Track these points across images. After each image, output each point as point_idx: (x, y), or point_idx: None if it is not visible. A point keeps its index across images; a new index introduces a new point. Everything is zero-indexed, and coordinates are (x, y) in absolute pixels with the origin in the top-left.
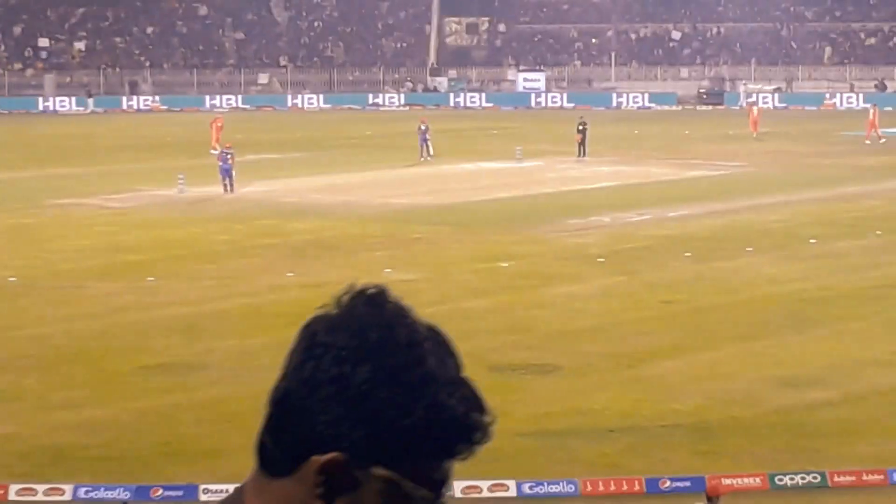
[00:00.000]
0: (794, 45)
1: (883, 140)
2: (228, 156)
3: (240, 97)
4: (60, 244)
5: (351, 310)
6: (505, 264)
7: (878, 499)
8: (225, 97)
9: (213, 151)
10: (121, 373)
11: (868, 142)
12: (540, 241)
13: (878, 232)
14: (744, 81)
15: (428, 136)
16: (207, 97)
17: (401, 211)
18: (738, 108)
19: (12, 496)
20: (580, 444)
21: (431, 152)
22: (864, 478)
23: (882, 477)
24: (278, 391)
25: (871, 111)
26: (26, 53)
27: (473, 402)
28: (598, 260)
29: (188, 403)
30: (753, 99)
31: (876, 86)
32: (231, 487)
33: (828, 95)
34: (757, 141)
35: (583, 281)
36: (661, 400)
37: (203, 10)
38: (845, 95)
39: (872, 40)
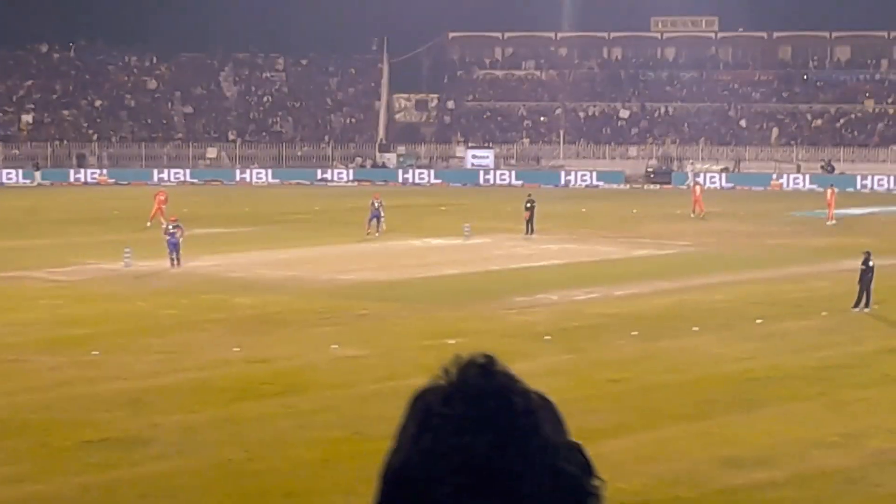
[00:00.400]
0: (742, 125)
1: (833, 222)
2: (176, 230)
3: (188, 171)
4: (4, 317)
5: (464, 380)
6: (452, 341)
7: None
8: (173, 171)
9: (148, 224)
10: (64, 447)
11: (832, 222)
12: (487, 318)
13: (824, 313)
14: (691, 161)
15: (382, 213)
16: (155, 171)
17: (348, 286)
18: (685, 187)
19: None
20: None
21: (383, 228)
22: None
23: None
24: (393, 465)
25: (829, 193)
26: None
27: (588, 467)
28: (545, 338)
29: (132, 478)
30: (699, 179)
31: (822, 167)
32: None
33: (775, 176)
34: (701, 220)
35: (530, 359)
36: (606, 479)
37: (152, 84)
38: (792, 176)
39: (819, 121)
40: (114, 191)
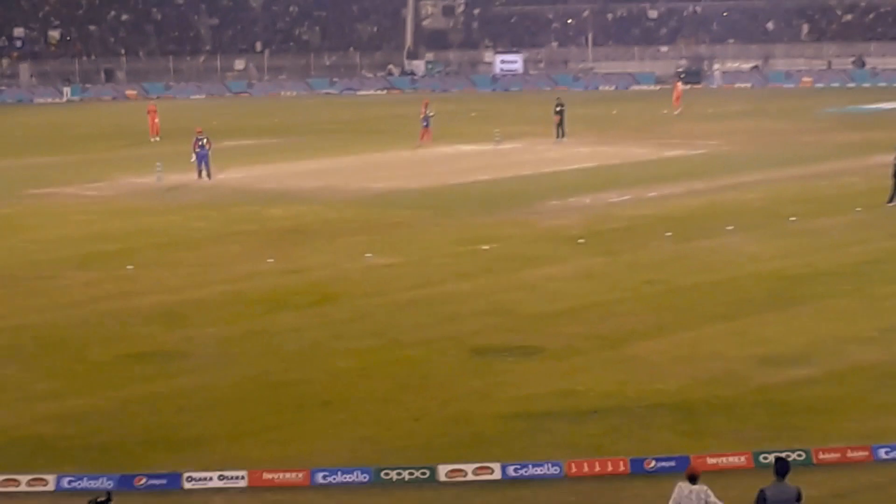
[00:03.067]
0: (771, 24)
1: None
2: (203, 142)
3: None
4: (38, 234)
5: None
6: (486, 247)
7: (862, 475)
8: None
9: (154, 139)
10: (102, 362)
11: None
12: (520, 223)
13: (858, 209)
14: (717, 61)
15: (429, 121)
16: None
17: (379, 195)
18: (715, 87)
19: None
20: (564, 425)
21: (429, 138)
22: (849, 454)
23: (867, 453)
24: None
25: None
26: (1, 43)
27: None
28: (579, 241)
29: (170, 391)
30: (682, 77)
31: (853, 62)
32: (215, 475)
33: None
34: (678, 119)
35: (564, 262)
36: (644, 380)
37: None
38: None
39: (849, 17)
40: (142, 105)
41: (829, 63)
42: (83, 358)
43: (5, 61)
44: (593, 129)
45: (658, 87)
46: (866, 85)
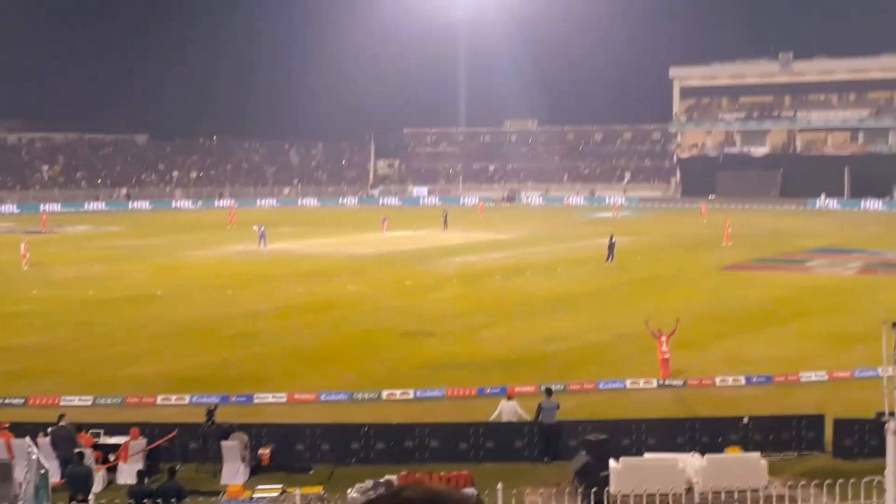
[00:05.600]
0: (550, 172)
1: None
2: (262, 228)
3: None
4: (188, 273)
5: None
6: (408, 282)
7: (591, 396)
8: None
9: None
10: (215, 338)
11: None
12: (425, 270)
13: (591, 266)
14: (523, 191)
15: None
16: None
17: (357, 256)
18: (520, 204)
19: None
20: (448, 372)
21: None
22: (584, 386)
23: (594, 385)
24: None
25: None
26: None
27: None
28: (454, 279)
29: (253, 354)
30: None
31: (585, 195)
32: (269, 395)
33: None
34: (503, 220)
35: (447, 290)
36: (485, 349)
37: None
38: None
39: (586, 171)
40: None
41: (593, 191)
42: (211, 337)
43: None
44: (462, 224)
45: (494, 204)
46: (601, 205)
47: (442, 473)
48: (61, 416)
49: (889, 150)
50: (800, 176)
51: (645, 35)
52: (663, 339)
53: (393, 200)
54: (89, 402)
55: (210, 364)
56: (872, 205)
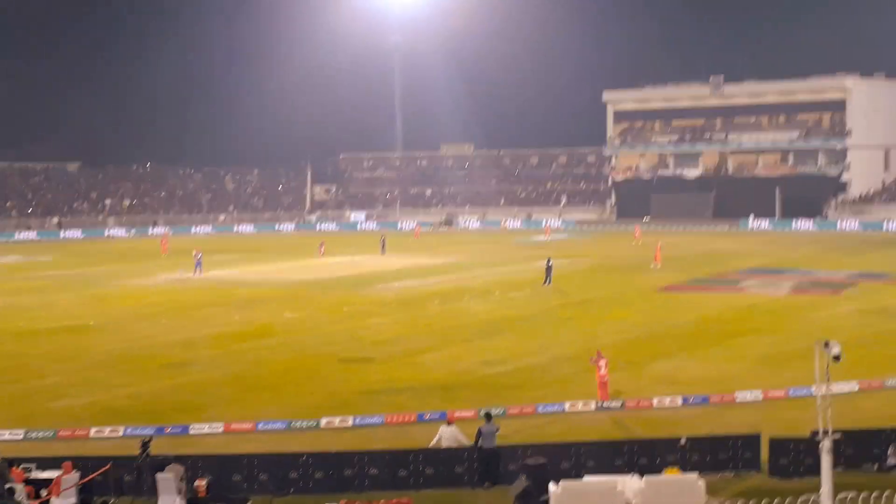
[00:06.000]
0: (486, 195)
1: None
2: (199, 254)
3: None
4: (122, 303)
5: None
6: (346, 308)
7: (530, 420)
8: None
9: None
10: (149, 368)
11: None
12: (363, 295)
13: (529, 289)
14: (461, 216)
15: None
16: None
17: (294, 282)
18: (458, 228)
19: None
20: (387, 397)
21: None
22: (522, 410)
23: (532, 409)
24: None
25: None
26: None
27: None
28: (393, 304)
29: (184, 383)
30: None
31: (522, 219)
32: (206, 426)
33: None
34: (441, 245)
35: (386, 315)
36: (425, 374)
37: None
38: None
39: (523, 194)
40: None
41: (530, 214)
42: (142, 368)
43: None
44: (400, 249)
45: (432, 228)
46: (538, 228)
47: (382, 502)
48: None
49: (818, 170)
50: (732, 197)
51: (579, 60)
52: (601, 362)
53: (330, 226)
54: (20, 436)
55: (144, 394)
56: (803, 225)
